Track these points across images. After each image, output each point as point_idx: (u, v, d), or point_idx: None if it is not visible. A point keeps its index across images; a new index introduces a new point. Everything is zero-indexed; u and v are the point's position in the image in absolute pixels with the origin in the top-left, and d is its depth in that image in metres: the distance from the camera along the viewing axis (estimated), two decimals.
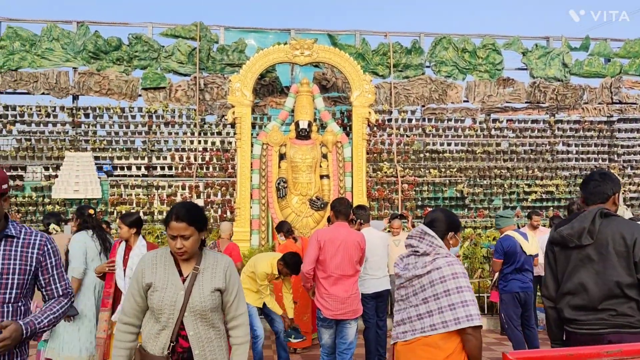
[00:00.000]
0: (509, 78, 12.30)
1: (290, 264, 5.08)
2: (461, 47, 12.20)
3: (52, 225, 6.01)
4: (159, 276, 2.63)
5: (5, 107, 11.19)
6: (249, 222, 10.01)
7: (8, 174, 10.80)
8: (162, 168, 11.47)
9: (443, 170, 11.92)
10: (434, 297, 2.77)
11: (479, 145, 12.18)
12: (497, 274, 6.13)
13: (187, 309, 2.59)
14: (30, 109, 11.23)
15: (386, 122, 12.07)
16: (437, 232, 2.94)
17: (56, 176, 10.84)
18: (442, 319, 2.72)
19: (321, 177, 10.29)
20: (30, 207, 10.79)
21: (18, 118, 11.22)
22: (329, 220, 5.59)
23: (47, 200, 10.82)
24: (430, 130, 12.13)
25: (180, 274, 2.66)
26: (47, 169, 11.08)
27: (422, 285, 2.83)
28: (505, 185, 11.96)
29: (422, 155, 12.03)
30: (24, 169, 11.08)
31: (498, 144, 12.25)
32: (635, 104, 12.58)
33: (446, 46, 12.20)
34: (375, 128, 11.99)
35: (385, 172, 11.68)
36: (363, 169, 10.39)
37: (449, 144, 12.21)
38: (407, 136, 12.08)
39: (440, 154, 12.09)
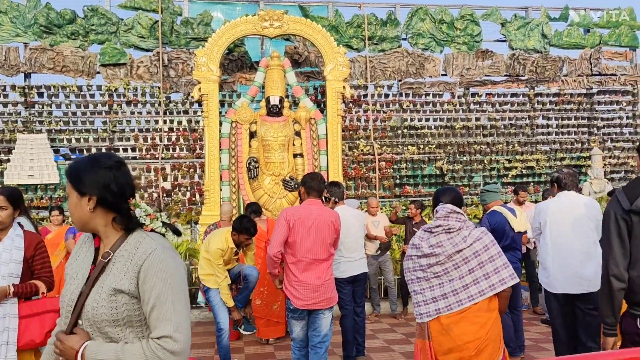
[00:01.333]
0: (488, 50, 11.86)
1: (241, 227, 4.52)
2: (438, 18, 11.69)
3: None
4: (78, 261, 1.88)
5: None
6: (219, 204, 9.40)
7: None
8: (125, 150, 10.76)
9: (422, 146, 11.48)
10: (479, 265, 3.01)
11: (457, 121, 11.77)
12: None
13: (82, 316, 1.75)
14: None
15: (362, 98, 11.56)
16: None
17: (8, 160, 10.06)
18: (490, 283, 2.98)
19: (294, 155, 9.73)
20: None
21: None
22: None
23: None
24: (407, 106, 11.65)
25: (95, 260, 1.84)
26: None
27: (464, 257, 3.03)
28: (485, 161, 11.59)
29: (399, 131, 11.56)
30: None
31: (477, 119, 11.86)
32: (614, 75, 12.29)
33: (423, 17, 11.68)
34: (350, 104, 11.47)
35: (362, 150, 11.18)
36: (339, 147, 9.85)
37: (427, 120, 11.76)
38: (384, 112, 11.59)
39: (419, 130, 11.64)
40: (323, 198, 4.61)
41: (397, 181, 11.27)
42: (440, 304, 3.02)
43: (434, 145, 11.50)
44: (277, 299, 6.18)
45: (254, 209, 6.40)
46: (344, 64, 9.82)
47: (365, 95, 11.56)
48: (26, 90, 10.51)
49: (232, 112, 9.70)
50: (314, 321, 3.87)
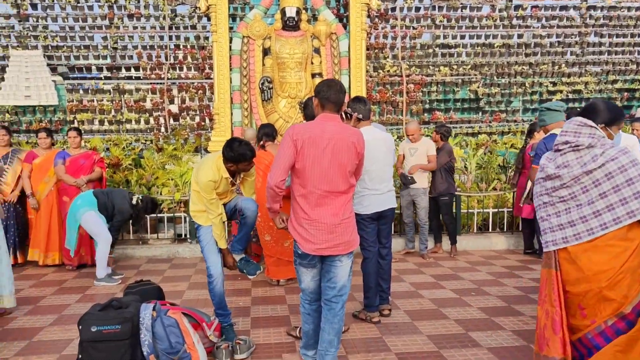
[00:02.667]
0: None
1: (236, 155, 3.53)
2: None
3: None
4: None
5: None
6: (230, 130, 8.54)
7: None
8: (128, 69, 9.84)
9: (455, 67, 10.28)
10: (614, 189, 2.62)
11: (497, 38, 10.46)
12: (531, 185, 4.77)
13: None
14: None
15: (389, 12, 10.28)
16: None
17: (2, 79, 9.25)
18: (628, 210, 2.58)
19: (313, 75, 8.67)
20: None
21: None
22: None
23: None
24: (441, 21, 10.35)
25: None
26: None
27: (594, 180, 2.66)
28: (527, 84, 10.36)
29: (431, 50, 10.33)
30: None
31: (520, 36, 10.50)
32: None
33: None
34: (376, 19, 10.23)
35: (388, 71, 10.06)
36: (362, 66, 8.75)
37: (462, 37, 10.47)
38: (414, 28, 10.33)
39: (452, 49, 10.40)
40: (343, 115, 3.68)
41: (427, 106, 10.19)
42: (567, 232, 2.72)
43: (469, 66, 10.29)
44: (289, 235, 5.41)
45: (267, 131, 5.48)
46: None
47: (393, 9, 10.27)
48: (18, 2, 9.51)
49: (244, 26, 8.61)
50: (329, 270, 3.06)
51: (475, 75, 10.28)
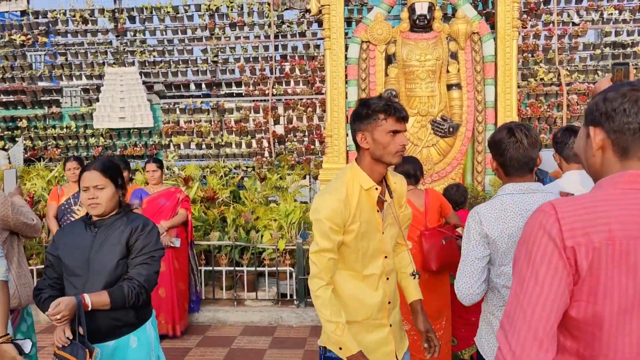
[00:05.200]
0: None
1: (373, 103, 1.97)
2: None
3: None
4: None
5: (35, 14, 8.83)
6: (345, 155, 6.95)
7: (42, 98, 8.61)
8: (229, 85, 8.67)
9: (636, 71, 7.95)
10: None
11: None
12: None
13: None
14: (64, 14, 8.79)
15: (542, 6, 8.26)
16: None
17: (97, 100, 8.44)
18: None
19: (448, 87, 6.87)
20: (70, 141, 8.55)
21: (50, 27, 8.85)
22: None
23: (89, 131, 8.51)
24: (610, 14, 8.13)
25: None
26: (86, 91, 8.71)
27: None
28: None
29: (598, 51, 8.11)
30: (59, 92, 8.80)
31: None
32: None
33: None
34: (524, 15, 8.23)
35: (542, 79, 7.99)
36: (513, 74, 6.80)
37: None
38: (575, 24, 8.19)
39: (628, 49, 8.10)
40: None
41: None
42: None
43: None
44: (442, 331, 3.64)
45: (408, 169, 3.67)
46: None
47: (546, 1, 8.22)
48: (116, 15, 8.72)
49: (363, 29, 7.01)
50: None
51: None
